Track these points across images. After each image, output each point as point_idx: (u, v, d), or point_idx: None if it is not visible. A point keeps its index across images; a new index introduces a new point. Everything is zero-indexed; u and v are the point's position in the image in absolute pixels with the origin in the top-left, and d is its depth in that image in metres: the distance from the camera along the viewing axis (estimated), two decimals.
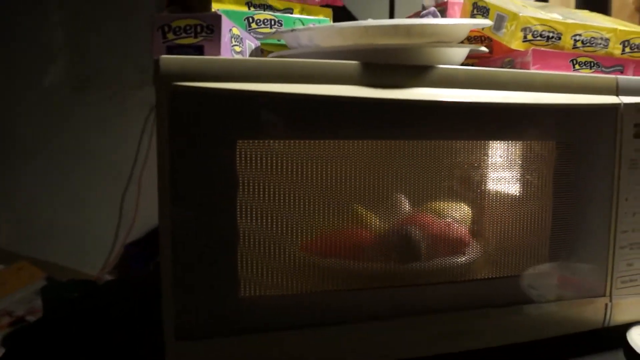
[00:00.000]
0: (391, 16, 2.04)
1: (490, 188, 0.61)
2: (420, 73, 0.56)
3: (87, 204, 2.99)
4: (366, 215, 0.56)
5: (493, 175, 0.61)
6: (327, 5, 0.87)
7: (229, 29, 0.57)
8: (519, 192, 0.62)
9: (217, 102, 0.50)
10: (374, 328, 0.57)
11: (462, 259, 0.60)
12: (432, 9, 0.68)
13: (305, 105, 0.51)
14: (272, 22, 0.77)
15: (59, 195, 2.95)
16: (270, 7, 0.80)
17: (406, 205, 0.57)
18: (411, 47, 0.57)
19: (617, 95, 0.66)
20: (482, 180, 0.61)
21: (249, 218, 0.51)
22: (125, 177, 3.03)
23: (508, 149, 0.61)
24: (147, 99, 3.03)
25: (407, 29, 0.56)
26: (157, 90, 0.50)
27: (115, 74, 3.04)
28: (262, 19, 0.76)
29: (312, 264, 0.54)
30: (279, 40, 0.73)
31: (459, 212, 0.59)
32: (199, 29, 0.53)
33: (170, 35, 0.53)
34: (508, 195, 0.62)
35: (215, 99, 0.50)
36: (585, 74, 0.70)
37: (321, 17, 0.84)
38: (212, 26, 0.53)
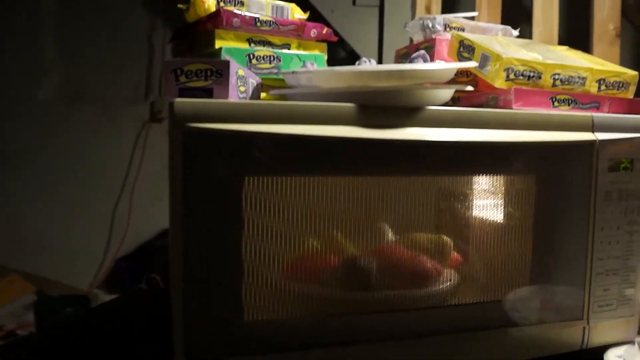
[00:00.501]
0: (380, 42, 2.10)
1: (475, 219, 0.66)
2: (410, 114, 0.61)
3: (78, 218, 3.00)
4: (352, 246, 0.60)
5: (477, 207, 0.66)
6: (322, 40, 0.92)
7: (236, 71, 0.61)
8: (502, 223, 0.67)
9: (226, 141, 0.54)
10: (363, 350, 0.61)
11: (445, 286, 0.64)
12: (422, 52, 0.73)
13: (304, 144, 0.56)
14: (272, 58, 0.82)
15: (50, 209, 2.97)
16: (269, 43, 0.84)
17: (395, 235, 0.62)
18: (403, 89, 0.62)
19: (592, 132, 0.71)
20: (467, 211, 0.65)
21: (251, 254, 0.56)
22: (117, 192, 3.05)
23: (491, 183, 0.66)
24: (139, 114, 3.07)
25: (400, 74, 0.61)
26: (171, 130, 0.54)
27: (108, 88, 3.07)
28: (262, 55, 0.81)
29: (303, 292, 0.59)
30: (277, 75, 0.78)
31: (443, 242, 0.64)
32: (209, 73, 0.57)
33: (183, 78, 0.57)
34: (491, 225, 0.67)
35: (224, 138, 0.54)
36: (564, 111, 0.75)
37: (317, 52, 0.89)
38: (221, 71, 0.57)
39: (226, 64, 0.57)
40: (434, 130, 0.61)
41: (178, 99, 0.54)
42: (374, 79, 0.61)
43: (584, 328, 0.71)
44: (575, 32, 2.34)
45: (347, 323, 0.61)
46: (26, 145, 2.97)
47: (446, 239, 0.64)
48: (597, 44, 2.12)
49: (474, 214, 0.66)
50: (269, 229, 0.57)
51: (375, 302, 0.62)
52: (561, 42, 2.21)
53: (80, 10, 2.99)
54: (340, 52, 2.33)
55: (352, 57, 2.19)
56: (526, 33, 2.20)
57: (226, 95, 0.58)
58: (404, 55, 1.02)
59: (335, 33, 2.22)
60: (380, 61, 2.15)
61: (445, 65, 0.64)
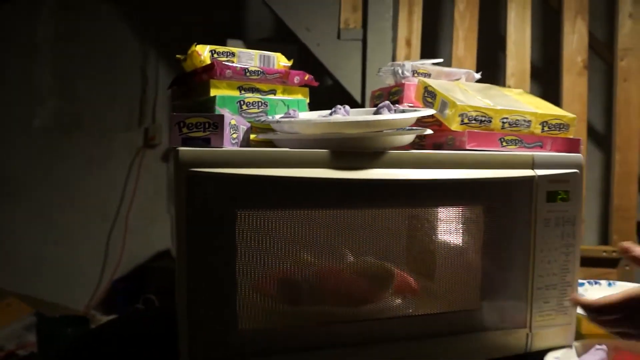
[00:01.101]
0: (363, 74, 2.24)
1: (432, 244, 0.78)
2: (376, 157, 0.73)
3: (73, 241, 3.10)
4: (322, 267, 0.72)
5: (434, 234, 0.78)
6: (305, 85, 1.04)
7: (229, 122, 0.73)
8: (455, 246, 0.79)
9: (221, 182, 0.66)
10: (341, 354, 0.72)
11: (397, 302, 0.76)
12: (387, 102, 0.85)
13: (286, 184, 0.68)
14: (260, 104, 0.94)
15: (46, 233, 3.06)
16: (257, 90, 0.97)
17: (360, 258, 0.74)
18: (370, 135, 0.74)
19: (532, 169, 0.84)
20: (426, 238, 0.77)
21: (244, 273, 0.68)
22: (112, 216, 3.15)
23: (446, 213, 0.78)
24: (133, 140, 3.19)
25: (366, 123, 0.73)
26: (176, 174, 0.66)
27: (103, 116, 3.19)
28: (251, 102, 0.93)
29: (284, 305, 0.71)
30: (264, 121, 0.90)
31: (387, 268, 0.76)
32: (207, 125, 0.69)
33: (185, 130, 0.69)
34: (446, 248, 0.79)
35: (220, 180, 0.66)
36: (511, 150, 0.88)
37: (299, 97, 1.01)
38: (217, 123, 0.70)
39: (221, 117, 0.69)
40: (395, 171, 0.74)
41: (181, 148, 0.66)
42: (345, 127, 0.74)
43: (527, 334, 0.83)
44: (547, 63, 2.49)
45: (321, 331, 0.72)
46: (23, 171, 3.07)
47: (389, 266, 0.76)
48: (567, 75, 2.26)
49: (432, 240, 0.78)
50: (258, 254, 0.69)
51: (339, 314, 0.74)
52: (534, 72, 2.37)
53: (76, 41, 3.12)
54: (327, 80, 2.46)
55: (339, 85, 2.32)
56: (501, 61, 2.35)
57: (221, 144, 0.70)
58: (378, 97, 1.15)
59: (321, 65, 2.36)
60: (363, 91, 2.28)
61: (404, 115, 0.76)
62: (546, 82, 2.58)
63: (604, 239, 2.46)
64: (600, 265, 2.21)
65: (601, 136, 2.57)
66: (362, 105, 2.26)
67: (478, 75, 1.15)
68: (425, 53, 2.33)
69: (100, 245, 3.14)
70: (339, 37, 2.30)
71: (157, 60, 3.19)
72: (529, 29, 2.28)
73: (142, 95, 3.25)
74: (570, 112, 2.31)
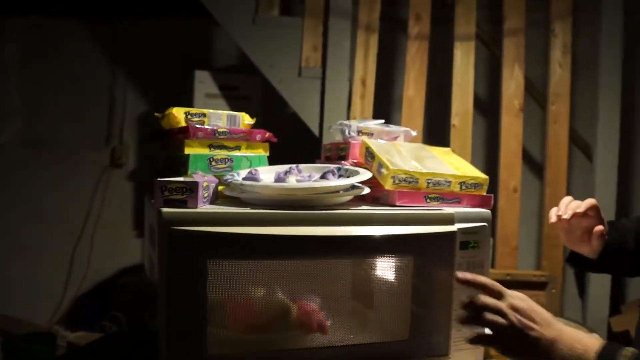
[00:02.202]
0: (321, 109, 2.42)
1: (368, 287, 0.96)
2: (324, 216, 0.91)
3: (37, 257, 3.19)
4: (285, 304, 0.90)
5: (370, 280, 0.96)
6: (266, 141, 1.22)
7: (202, 185, 0.90)
8: (387, 289, 0.98)
9: (195, 237, 0.83)
10: None
11: (338, 336, 0.94)
12: (332, 168, 1.03)
13: (246, 239, 0.86)
14: (226, 160, 1.11)
15: (9, 249, 3.14)
16: (225, 147, 1.14)
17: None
18: (316, 197, 0.92)
19: (453, 224, 1.03)
20: (362, 282, 0.96)
21: (214, 309, 0.85)
22: (77, 233, 3.25)
23: (380, 262, 0.97)
24: (99, 160, 3.29)
25: (314, 189, 0.91)
26: (160, 231, 0.82)
27: (70, 135, 3.29)
28: (219, 158, 1.10)
29: (245, 335, 0.88)
30: (230, 182, 1.06)
31: (346, 301, 0.94)
32: (184, 190, 0.86)
33: (167, 193, 0.86)
34: (379, 290, 0.97)
35: (194, 236, 0.83)
36: (434, 206, 1.07)
37: (261, 152, 1.19)
38: (193, 188, 0.87)
39: (196, 184, 0.87)
40: (339, 228, 0.92)
41: (164, 209, 0.83)
42: (296, 191, 0.92)
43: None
44: (492, 102, 2.73)
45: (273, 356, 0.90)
46: None
47: (349, 299, 0.94)
48: (505, 116, 2.51)
49: (369, 283, 0.97)
50: (225, 292, 0.86)
51: (290, 343, 0.91)
52: (480, 109, 2.60)
53: (44, 60, 3.23)
54: (291, 108, 2.63)
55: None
56: (449, 100, 2.57)
57: (195, 205, 0.87)
58: (329, 150, 1.33)
59: (283, 100, 2.54)
60: (321, 125, 2.47)
61: (344, 181, 0.95)
62: (491, 119, 2.83)
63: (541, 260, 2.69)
64: (532, 287, 2.44)
65: (539, 167, 2.82)
66: (320, 138, 2.45)
67: (414, 133, 1.34)
68: (379, 92, 2.54)
69: (64, 262, 3.22)
70: (300, 74, 2.48)
71: (125, 82, 3.30)
72: (472, 74, 2.51)
73: (110, 116, 3.36)
74: (508, 149, 2.57)
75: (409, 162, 1.13)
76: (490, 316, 0.87)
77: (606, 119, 2.51)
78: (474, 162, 2.72)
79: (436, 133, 2.72)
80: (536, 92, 2.65)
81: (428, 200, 1.08)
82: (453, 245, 1.02)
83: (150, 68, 3.21)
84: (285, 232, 0.87)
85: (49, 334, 2.40)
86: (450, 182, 1.10)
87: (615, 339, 2.26)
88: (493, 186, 2.69)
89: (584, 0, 2.67)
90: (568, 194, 2.70)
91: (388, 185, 1.06)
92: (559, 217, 1.17)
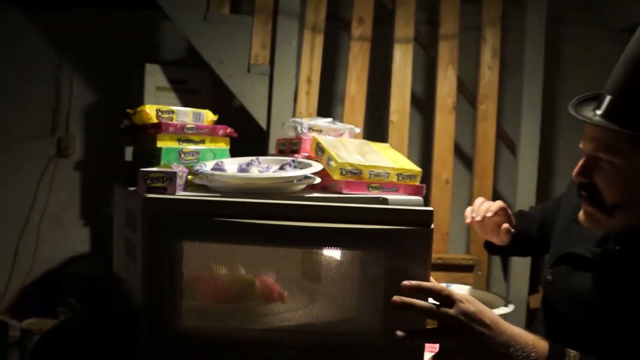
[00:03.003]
0: (269, 104, 2.57)
1: (319, 267, 1.13)
2: (287, 208, 1.05)
3: None
4: (249, 278, 1.05)
5: (321, 261, 1.12)
6: (227, 135, 1.36)
7: (179, 174, 1.04)
8: (336, 267, 1.14)
9: (173, 220, 0.97)
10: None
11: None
12: (289, 160, 1.19)
13: (218, 225, 1.00)
14: (193, 152, 1.25)
15: None
16: (192, 141, 1.27)
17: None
18: (275, 185, 1.08)
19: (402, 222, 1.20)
20: (316, 264, 1.12)
21: (189, 284, 0.99)
22: (21, 223, 3.26)
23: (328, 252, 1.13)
24: (45, 150, 3.31)
25: (274, 178, 1.07)
26: (143, 214, 0.95)
27: (14, 125, 3.29)
28: (187, 151, 1.24)
29: (216, 308, 1.02)
30: (200, 172, 1.19)
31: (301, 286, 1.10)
32: (164, 179, 1.00)
33: (149, 181, 0.99)
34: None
35: (172, 219, 0.97)
36: (376, 194, 1.24)
37: (223, 146, 1.33)
38: (172, 177, 1.00)
39: (174, 173, 1.00)
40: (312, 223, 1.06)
41: (147, 195, 0.97)
42: (259, 181, 1.07)
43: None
44: (426, 102, 2.95)
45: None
46: None
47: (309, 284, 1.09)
48: (439, 114, 2.73)
49: (319, 264, 1.12)
50: (198, 270, 1.00)
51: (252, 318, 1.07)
52: (418, 107, 2.81)
53: None
54: (239, 101, 2.75)
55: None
56: (389, 98, 2.76)
57: (174, 192, 1.00)
58: (282, 144, 1.48)
59: (232, 94, 2.66)
60: (269, 120, 2.61)
61: (299, 172, 1.11)
62: (428, 116, 3.05)
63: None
64: (461, 270, 2.68)
65: (469, 160, 3.07)
66: (268, 132, 2.59)
67: (358, 130, 1.51)
68: (324, 89, 2.71)
69: (8, 252, 3.23)
70: (249, 71, 2.62)
71: (72, 72, 3.32)
72: (410, 75, 2.72)
73: (56, 106, 3.37)
74: (441, 144, 2.79)
75: (353, 156, 1.29)
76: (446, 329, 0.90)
77: (529, 117, 2.78)
78: (410, 156, 2.95)
79: (377, 128, 2.91)
80: (468, 92, 2.89)
81: (370, 189, 1.25)
82: (398, 239, 1.17)
83: (99, 59, 3.24)
84: (254, 220, 1.00)
85: (1, 322, 2.44)
86: (389, 173, 1.28)
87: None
88: (427, 178, 2.93)
89: (513, 9, 2.92)
90: (495, 185, 2.97)
91: (336, 175, 1.23)
92: (472, 218, 1.40)
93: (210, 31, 2.58)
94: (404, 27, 2.71)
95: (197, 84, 2.89)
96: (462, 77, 2.87)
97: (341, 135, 1.46)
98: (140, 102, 2.74)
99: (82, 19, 3.20)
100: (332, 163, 1.24)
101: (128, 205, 1.15)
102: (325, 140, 1.34)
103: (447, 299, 0.92)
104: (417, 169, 1.32)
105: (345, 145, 1.36)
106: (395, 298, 0.92)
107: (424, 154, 3.10)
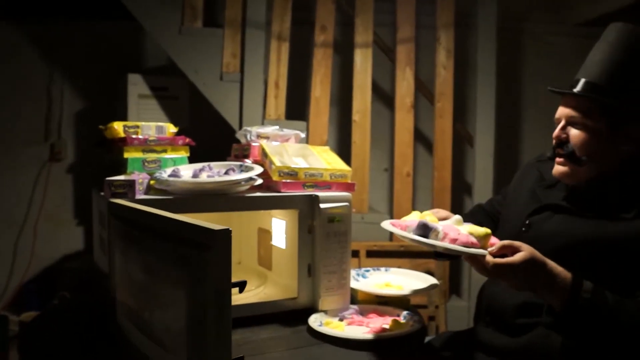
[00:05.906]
0: (240, 109, 2.79)
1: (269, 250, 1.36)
2: (230, 201, 1.30)
3: None
4: None
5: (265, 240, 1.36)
6: (186, 144, 1.59)
7: (138, 181, 1.27)
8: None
9: (133, 219, 1.20)
10: None
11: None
12: (240, 163, 1.42)
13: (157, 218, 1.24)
14: (156, 161, 1.49)
15: None
16: (154, 151, 1.51)
17: None
18: (220, 187, 1.32)
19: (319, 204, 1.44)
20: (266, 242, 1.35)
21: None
22: (19, 224, 3.49)
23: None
24: (39, 154, 3.53)
25: (219, 183, 1.30)
26: (108, 214, 1.19)
27: (10, 131, 3.51)
28: (150, 160, 1.48)
29: None
30: (159, 179, 1.43)
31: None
32: (125, 186, 1.23)
33: (113, 188, 1.23)
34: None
35: (133, 219, 1.20)
36: (311, 192, 1.47)
37: (182, 154, 1.56)
38: (131, 185, 1.24)
39: (133, 181, 1.24)
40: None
41: (112, 199, 1.20)
42: (206, 185, 1.30)
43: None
44: (384, 101, 3.17)
45: None
46: None
47: None
48: (398, 112, 2.96)
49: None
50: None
51: None
52: (383, 106, 3.03)
53: None
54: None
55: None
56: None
57: (134, 196, 1.24)
58: (237, 149, 1.72)
59: (207, 100, 2.88)
60: (240, 122, 2.83)
61: (243, 175, 1.35)
62: (387, 116, 3.28)
63: None
64: (423, 257, 2.90)
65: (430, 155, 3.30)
66: None
67: (303, 135, 1.74)
68: (291, 92, 2.94)
69: (7, 251, 3.47)
70: (221, 78, 2.83)
71: (62, 82, 3.53)
72: (370, 77, 2.94)
73: (48, 113, 3.59)
74: (401, 141, 3.01)
75: (292, 159, 1.53)
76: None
77: (484, 113, 3.01)
78: (379, 151, 3.20)
79: (345, 126, 3.14)
80: (426, 91, 3.11)
81: (305, 188, 1.49)
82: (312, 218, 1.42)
83: (86, 68, 3.45)
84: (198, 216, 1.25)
85: (1, 315, 2.67)
86: (322, 173, 1.51)
87: None
88: (391, 172, 3.16)
89: (467, 11, 3.13)
90: (457, 177, 3.21)
91: (275, 177, 1.46)
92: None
93: (185, 43, 2.80)
94: (364, 33, 2.93)
95: (177, 90, 3.11)
96: (422, 76, 3.08)
97: (287, 140, 1.69)
98: (125, 109, 2.97)
99: (70, 31, 3.40)
100: (273, 166, 1.48)
101: (100, 207, 1.39)
102: (269, 146, 1.58)
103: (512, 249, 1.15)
104: (347, 168, 1.56)
105: (287, 150, 1.59)
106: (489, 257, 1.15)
107: (390, 150, 3.33)
